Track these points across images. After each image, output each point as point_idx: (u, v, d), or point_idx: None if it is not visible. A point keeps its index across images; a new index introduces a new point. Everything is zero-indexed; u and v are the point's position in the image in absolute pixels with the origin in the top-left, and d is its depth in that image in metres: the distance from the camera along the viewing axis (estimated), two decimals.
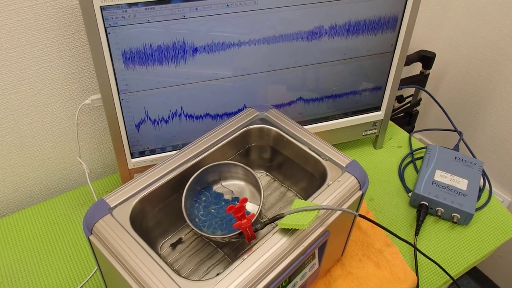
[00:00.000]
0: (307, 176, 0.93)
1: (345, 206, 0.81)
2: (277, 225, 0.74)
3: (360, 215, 0.81)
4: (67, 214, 1.14)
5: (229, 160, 0.96)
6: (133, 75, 0.92)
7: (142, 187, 0.81)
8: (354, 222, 0.92)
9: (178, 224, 0.94)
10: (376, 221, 0.99)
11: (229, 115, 1.07)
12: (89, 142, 1.18)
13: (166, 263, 0.79)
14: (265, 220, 0.86)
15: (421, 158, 1.36)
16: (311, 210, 0.81)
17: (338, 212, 0.79)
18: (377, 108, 1.28)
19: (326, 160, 0.87)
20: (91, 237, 0.72)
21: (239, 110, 1.08)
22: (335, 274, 0.99)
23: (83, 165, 1.03)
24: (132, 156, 1.05)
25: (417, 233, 1.11)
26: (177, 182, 0.84)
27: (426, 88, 1.83)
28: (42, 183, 1.16)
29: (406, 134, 1.46)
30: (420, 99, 1.70)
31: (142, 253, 0.68)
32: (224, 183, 0.93)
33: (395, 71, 1.17)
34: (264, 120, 0.93)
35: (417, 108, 1.75)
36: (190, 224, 0.86)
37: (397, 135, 1.44)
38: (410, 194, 1.23)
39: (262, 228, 0.85)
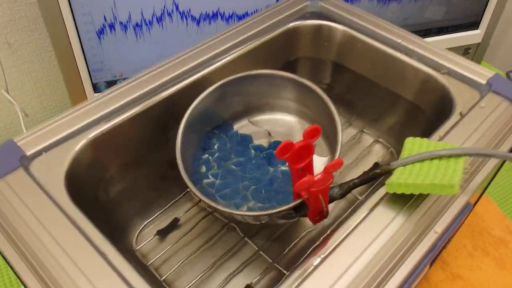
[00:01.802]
0: (401, 107, 0.62)
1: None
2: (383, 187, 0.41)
3: None
4: None
5: (266, 70, 0.53)
6: None
7: (93, 121, 0.48)
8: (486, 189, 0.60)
9: (170, 195, 0.59)
10: None
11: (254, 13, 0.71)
12: (23, 68, 0.79)
13: (145, 266, 0.52)
14: (351, 180, 0.43)
15: None
16: (454, 156, 0.41)
17: (490, 166, 0.46)
18: (474, 26, 0.79)
19: (446, 74, 0.56)
20: None
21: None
22: (434, 279, 0.71)
23: (15, 105, 0.74)
24: (96, 89, 0.75)
25: None
26: (165, 114, 0.53)
27: None
28: None
29: None
30: None
31: (82, 246, 0.38)
32: (253, 118, 0.59)
33: None
34: (321, 15, 0.64)
35: None
36: (194, 191, 0.44)
37: None
38: None
39: (344, 195, 0.43)
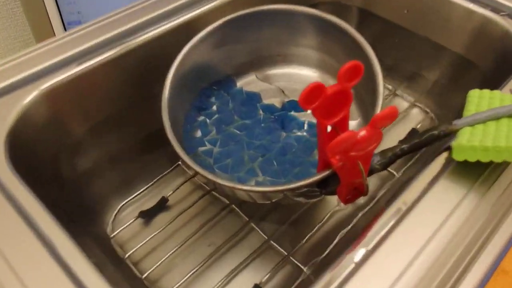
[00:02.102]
0: (445, 62, 0.50)
1: None
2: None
3: None
4: None
5: (279, 5, 0.41)
6: None
7: (51, 67, 0.36)
8: None
9: (157, 167, 0.47)
10: None
11: None
12: None
13: (121, 259, 0.40)
14: (397, 146, 0.31)
15: None
16: None
17: None
18: None
19: (506, 16, 0.43)
20: None
21: None
22: None
23: None
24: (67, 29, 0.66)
25: None
26: (150, 62, 0.42)
27: None
28: None
29: None
30: None
31: (19, 231, 0.27)
32: (262, 73, 0.47)
33: None
34: None
35: None
36: (186, 161, 0.32)
37: None
38: None
39: (386, 167, 0.31)
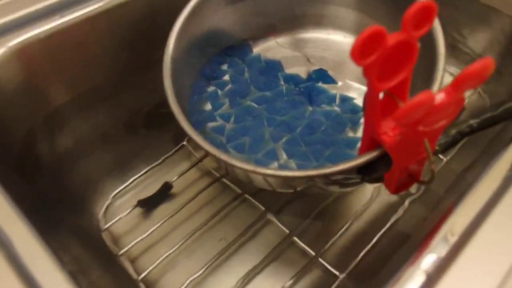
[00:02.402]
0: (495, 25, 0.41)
1: None
2: None
3: None
4: None
5: None
6: None
7: (24, 18, 0.28)
8: None
9: (158, 147, 0.40)
10: None
11: None
12: None
13: (114, 256, 0.34)
14: (467, 121, 0.24)
15: None
16: None
17: None
18: None
19: None
20: None
21: None
22: None
23: None
24: None
25: None
26: (148, 20, 0.33)
27: None
28: None
29: None
30: None
31: None
32: (284, 38, 0.39)
33: None
34: None
35: None
36: (194, 137, 0.25)
37: None
38: None
39: (449, 147, 0.24)
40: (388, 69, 0.21)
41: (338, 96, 0.35)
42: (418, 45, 0.21)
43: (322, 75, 0.37)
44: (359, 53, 0.19)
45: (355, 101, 0.35)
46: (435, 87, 0.28)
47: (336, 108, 0.34)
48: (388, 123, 0.23)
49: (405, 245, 0.31)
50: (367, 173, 0.26)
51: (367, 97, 0.23)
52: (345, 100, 0.35)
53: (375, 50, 0.19)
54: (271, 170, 0.25)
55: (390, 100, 0.23)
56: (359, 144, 0.32)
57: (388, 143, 0.23)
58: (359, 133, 0.33)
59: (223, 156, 0.25)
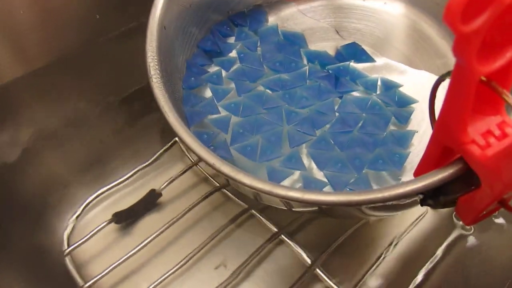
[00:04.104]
0: None
1: None
2: None
3: None
4: None
5: None
6: None
7: None
8: None
9: (143, 146, 0.32)
10: None
11: None
12: None
13: None
14: None
15: None
16: None
17: None
18: None
19: None
20: None
21: None
22: None
23: None
24: None
25: None
26: None
27: None
28: None
29: None
30: None
31: None
32: (307, 4, 0.32)
33: None
34: None
35: None
36: (184, 137, 0.18)
37: None
38: None
39: None
40: (493, 43, 0.14)
41: (380, 80, 0.27)
42: None
43: (355, 52, 0.29)
44: (461, 11, 0.11)
45: (401, 89, 0.28)
46: None
47: (375, 97, 0.27)
48: (479, 126, 0.16)
49: None
50: (434, 195, 0.19)
51: (454, 82, 0.15)
52: (389, 87, 0.27)
53: (485, 8, 0.12)
54: (298, 192, 0.17)
55: (485, 91, 0.15)
56: (413, 140, 0.25)
57: (479, 158, 0.15)
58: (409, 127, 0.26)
59: (226, 169, 0.18)
